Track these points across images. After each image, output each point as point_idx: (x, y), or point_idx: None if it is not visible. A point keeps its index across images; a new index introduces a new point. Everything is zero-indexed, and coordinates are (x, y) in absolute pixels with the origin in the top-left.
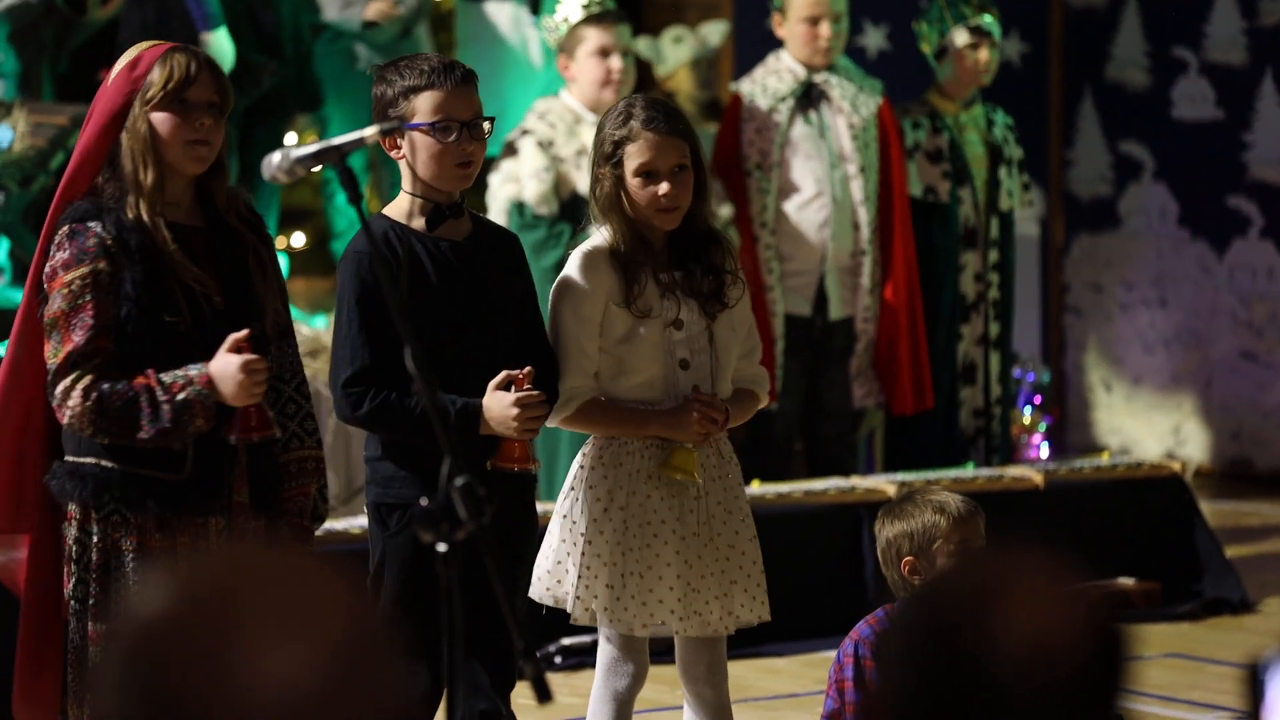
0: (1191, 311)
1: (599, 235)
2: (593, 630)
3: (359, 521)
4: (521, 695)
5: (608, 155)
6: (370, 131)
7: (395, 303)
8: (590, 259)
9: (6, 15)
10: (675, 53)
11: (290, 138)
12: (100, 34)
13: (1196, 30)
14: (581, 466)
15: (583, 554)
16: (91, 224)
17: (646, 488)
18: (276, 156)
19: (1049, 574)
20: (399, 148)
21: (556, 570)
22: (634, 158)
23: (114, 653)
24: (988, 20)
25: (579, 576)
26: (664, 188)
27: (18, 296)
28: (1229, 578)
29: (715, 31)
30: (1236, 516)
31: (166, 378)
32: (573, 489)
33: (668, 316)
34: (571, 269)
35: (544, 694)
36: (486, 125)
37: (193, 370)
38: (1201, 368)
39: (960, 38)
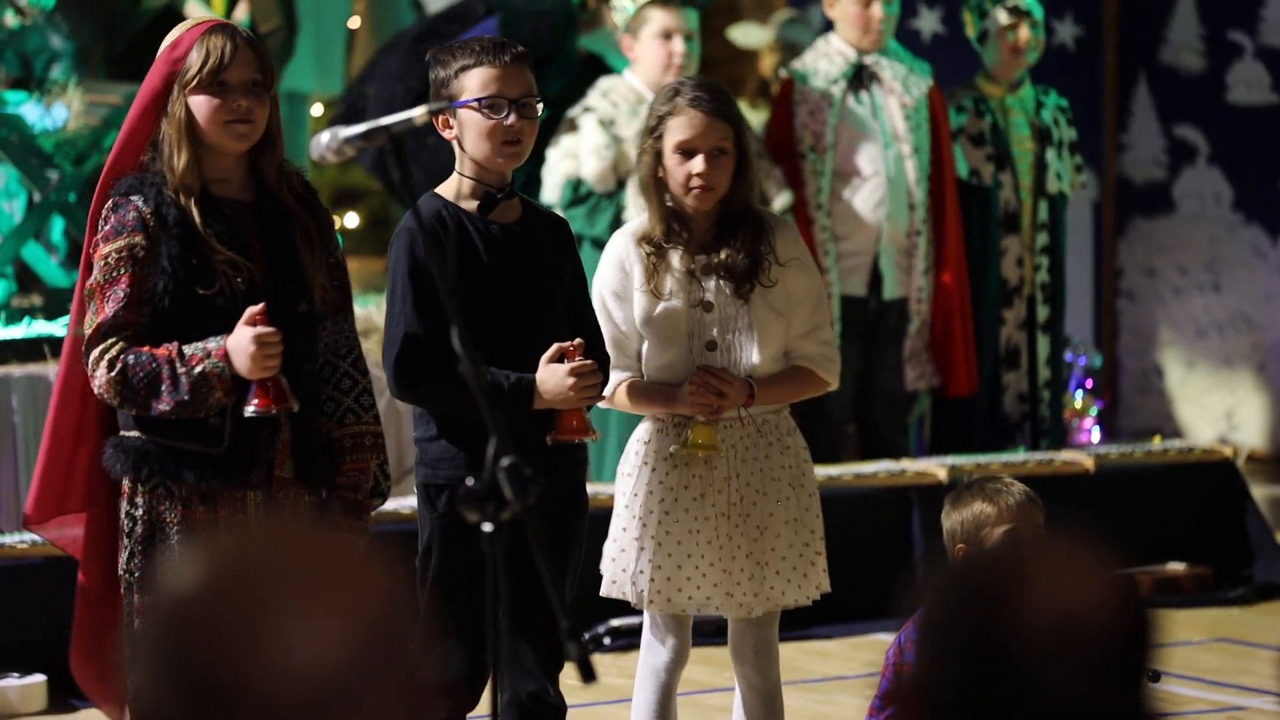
0: (1245, 296)
1: (635, 220)
2: (641, 613)
3: (409, 502)
4: (569, 676)
5: (650, 129)
6: (419, 111)
7: (444, 280)
8: (617, 244)
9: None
10: (759, 36)
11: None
12: (158, 20)
13: (1252, 14)
14: (635, 452)
15: (621, 534)
16: (133, 198)
17: (664, 466)
18: (325, 136)
19: (1081, 556)
20: (451, 128)
21: (612, 550)
22: (674, 133)
23: (148, 628)
24: (1026, 0)
25: (618, 557)
26: (697, 165)
27: (73, 276)
28: (1279, 562)
29: (805, 29)
30: None
31: (188, 350)
32: (623, 472)
33: (694, 298)
34: (604, 254)
35: (588, 674)
36: (538, 106)
37: (211, 343)
38: (1254, 352)
39: (1000, 18)
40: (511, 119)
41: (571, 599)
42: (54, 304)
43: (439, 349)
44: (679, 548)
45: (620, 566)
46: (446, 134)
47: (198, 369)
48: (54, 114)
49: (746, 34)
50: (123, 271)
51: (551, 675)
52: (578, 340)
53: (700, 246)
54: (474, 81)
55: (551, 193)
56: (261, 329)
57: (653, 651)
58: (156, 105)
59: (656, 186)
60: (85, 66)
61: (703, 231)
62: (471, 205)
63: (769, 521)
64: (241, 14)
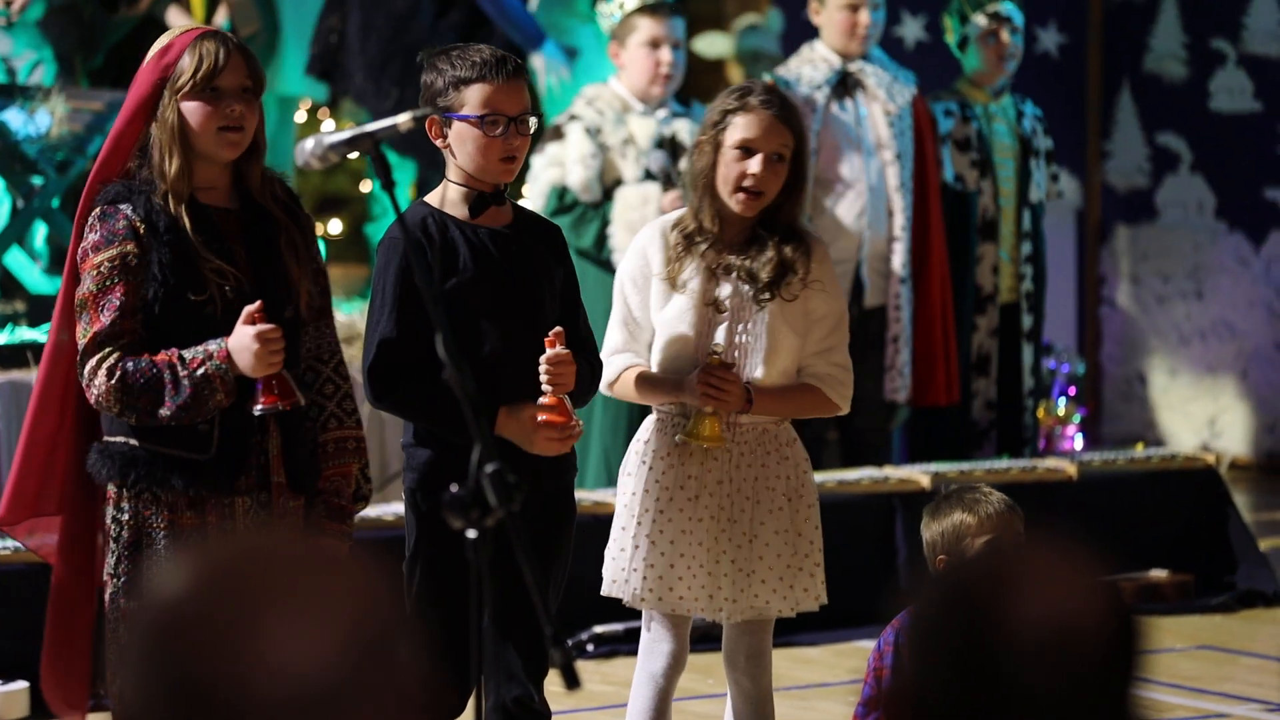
0: (1227, 303)
1: (675, 212)
2: (624, 619)
3: (392, 508)
4: (554, 682)
5: (714, 123)
6: (404, 118)
7: (428, 289)
8: (648, 231)
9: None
10: (722, 45)
11: (328, 124)
12: (137, 30)
13: (1235, 22)
14: (636, 451)
15: (620, 533)
16: (122, 206)
17: (661, 465)
18: (310, 142)
19: (1067, 563)
20: (444, 136)
21: (612, 550)
22: (737, 130)
23: (135, 634)
24: (1005, 5)
25: (617, 556)
26: (754, 165)
27: (55, 283)
28: (1262, 570)
29: (766, 34)
30: (1272, 509)
31: (188, 354)
32: (624, 472)
33: (707, 296)
34: (634, 241)
35: (572, 681)
36: (533, 121)
37: (211, 345)
38: (1237, 359)
39: (980, 23)
40: (509, 136)
41: (557, 605)
42: (36, 311)
43: (419, 358)
44: (671, 547)
45: (619, 565)
46: (438, 142)
47: (199, 371)
48: (37, 120)
49: (710, 44)
50: (116, 281)
51: (537, 681)
52: (556, 329)
53: (731, 248)
54: (474, 96)
55: (536, 200)
56: (263, 326)
57: (651, 656)
58: (145, 110)
59: (708, 180)
60: (69, 73)
61: (736, 233)
62: (460, 211)
63: (758, 530)
64: (221, 19)
